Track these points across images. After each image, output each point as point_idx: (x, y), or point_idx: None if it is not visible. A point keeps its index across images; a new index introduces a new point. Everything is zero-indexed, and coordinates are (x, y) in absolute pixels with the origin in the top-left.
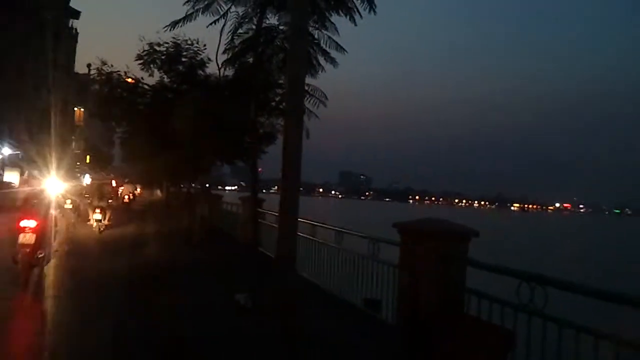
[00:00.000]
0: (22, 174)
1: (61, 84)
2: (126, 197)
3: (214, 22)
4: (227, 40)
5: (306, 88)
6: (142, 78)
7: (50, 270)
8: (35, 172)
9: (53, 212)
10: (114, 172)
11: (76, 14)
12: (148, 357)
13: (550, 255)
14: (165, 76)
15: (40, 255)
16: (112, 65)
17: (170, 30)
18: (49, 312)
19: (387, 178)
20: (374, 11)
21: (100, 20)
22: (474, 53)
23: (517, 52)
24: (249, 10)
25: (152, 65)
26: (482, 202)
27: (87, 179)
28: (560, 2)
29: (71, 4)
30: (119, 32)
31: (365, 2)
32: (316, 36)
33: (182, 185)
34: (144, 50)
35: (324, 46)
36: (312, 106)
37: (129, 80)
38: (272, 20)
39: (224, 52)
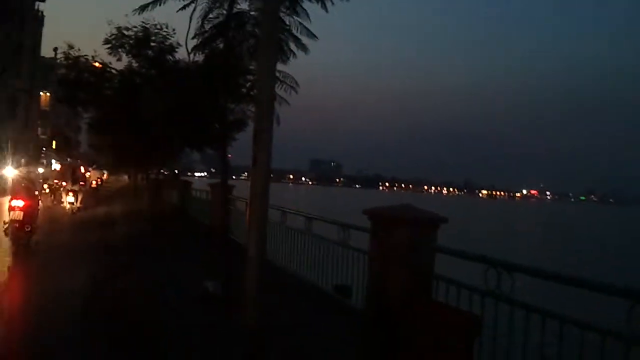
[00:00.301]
0: None
1: (27, 67)
2: (94, 182)
3: (184, 7)
4: (197, 26)
5: (277, 74)
6: (110, 63)
7: (35, 240)
8: None
9: (37, 194)
10: (80, 158)
11: None
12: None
13: (517, 241)
14: (133, 61)
15: (28, 229)
16: (79, 50)
17: (139, 14)
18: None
19: (357, 165)
20: None
21: (68, 3)
22: (446, 43)
23: (488, 43)
24: None
25: (120, 50)
26: (451, 189)
27: (53, 165)
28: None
29: None
30: (87, 16)
31: None
32: (287, 22)
33: (150, 172)
34: (112, 35)
35: (295, 32)
36: (284, 92)
37: (97, 64)
38: (243, 5)
39: (193, 38)
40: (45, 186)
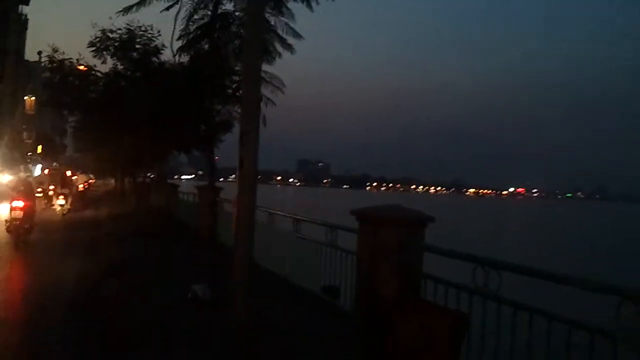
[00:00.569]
0: None
1: (11, 71)
2: (81, 186)
3: (168, 7)
4: (182, 27)
5: (263, 75)
6: (94, 66)
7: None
8: None
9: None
10: (66, 161)
11: (25, 0)
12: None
13: (505, 240)
14: (118, 63)
15: (27, 227)
16: (63, 53)
17: (123, 15)
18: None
19: (345, 165)
20: None
21: (52, 6)
22: (435, 43)
23: (478, 43)
24: None
25: (105, 53)
26: (439, 188)
27: (37, 170)
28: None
29: None
30: (71, 19)
31: None
32: (273, 22)
33: (137, 175)
34: (97, 37)
35: (280, 32)
36: (270, 93)
37: (81, 67)
38: (227, 6)
39: (178, 39)
40: (39, 189)
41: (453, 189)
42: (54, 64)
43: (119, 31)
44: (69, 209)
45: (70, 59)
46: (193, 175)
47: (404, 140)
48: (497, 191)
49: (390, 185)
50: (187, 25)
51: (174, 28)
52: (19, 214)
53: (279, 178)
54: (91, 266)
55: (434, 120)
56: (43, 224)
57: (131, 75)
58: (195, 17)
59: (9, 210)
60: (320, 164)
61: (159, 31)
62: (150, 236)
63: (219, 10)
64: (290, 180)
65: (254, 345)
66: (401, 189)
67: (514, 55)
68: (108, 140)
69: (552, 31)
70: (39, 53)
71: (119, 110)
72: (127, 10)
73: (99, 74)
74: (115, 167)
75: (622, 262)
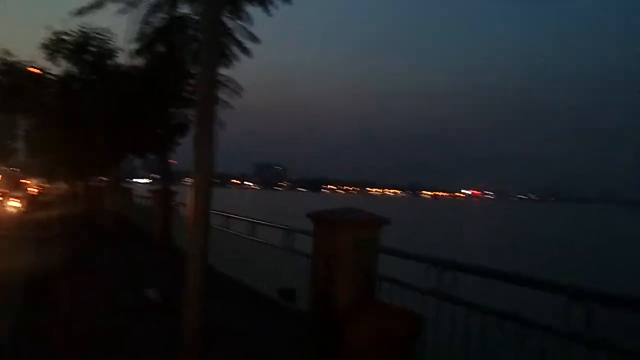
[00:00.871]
0: None
1: None
2: (33, 190)
3: (124, 10)
4: (138, 30)
5: (220, 79)
6: (48, 69)
7: None
8: None
9: None
10: (18, 166)
11: None
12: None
13: (459, 240)
14: (73, 66)
15: None
16: (17, 56)
17: (77, 17)
18: None
19: (302, 168)
20: (289, 1)
21: (3, 8)
22: (392, 47)
23: (434, 47)
24: None
25: (58, 55)
26: (395, 190)
27: None
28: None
29: None
30: (24, 21)
31: None
32: (230, 26)
33: (90, 179)
34: (50, 40)
35: (238, 36)
36: (227, 97)
37: (34, 70)
38: (184, 9)
39: (134, 42)
40: None
41: (409, 191)
42: (6, 67)
43: (73, 33)
44: (23, 211)
45: (22, 61)
46: (148, 180)
47: (361, 143)
48: (452, 193)
49: (347, 188)
50: (142, 28)
51: (130, 31)
52: None
53: (236, 181)
54: (41, 268)
55: (391, 124)
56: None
57: (86, 78)
58: (152, 20)
59: None
60: (277, 167)
61: (114, 34)
62: (103, 240)
63: (176, 14)
64: (248, 183)
65: (206, 348)
66: (358, 192)
67: (471, 60)
68: (61, 144)
69: (511, 34)
70: None
71: (73, 113)
72: (80, 12)
73: (52, 77)
74: (69, 171)
75: (570, 261)
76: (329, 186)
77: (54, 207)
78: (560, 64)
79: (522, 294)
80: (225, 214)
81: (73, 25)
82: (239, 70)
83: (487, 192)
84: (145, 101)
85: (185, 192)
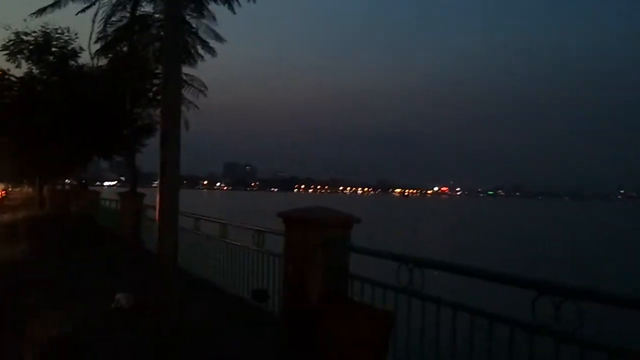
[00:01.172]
0: None
1: None
2: None
3: (85, 9)
4: (100, 29)
5: (185, 78)
6: (8, 70)
7: None
8: None
9: None
10: None
11: None
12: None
13: (428, 236)
14: (34, 67)
15: None
16: None
17: (37, 17)
18: None
19: (273, 167)
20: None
21: None
22: (360, 44)
23: (407, 46)
24: None
25: (19, 56)
26: (365, 189)
27: None
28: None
29: None
30: None
31: None
32: (194, 25)
33: (56, 182)
34: (10, 40)
35: (202, 35)
36: (192, 96)
37: None
38: (147, 8)
39: (96, 42)
40: None
41: (379, 190)
42: None
43: (34, 34)
44: None
45: None
46: (116, 182)
47: (331, 142)
48: (422, 190)
49: (318, 187)
50: (104, 28)
51: (92, 30)
52: None
53: (205, 182)
54: (6, 272)
55: (360, 122)
56: None
57: (47, 79)
58: (114, 19)
59: None
60: (247, 167)
61: (76, 33)
62: (69, 243)
63: (138, 12)
64: (217, 184)
65: (179, 350)
66: (329, 191)
67: (439, 58)
68: (24, 146)
69: (481, 33)
70: None
71: (36, 115)
72: (41, 11)
73: (13, 78)
74: (34, 175)
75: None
76: (301, 185)
77: (19, 210)
78: (531, 60)
79: (491, 289)
80: (195, 215)
81: (34, 26)
82: (205, 69)
83: (456, 189)
84: (109, 102)
85: (153, 193)
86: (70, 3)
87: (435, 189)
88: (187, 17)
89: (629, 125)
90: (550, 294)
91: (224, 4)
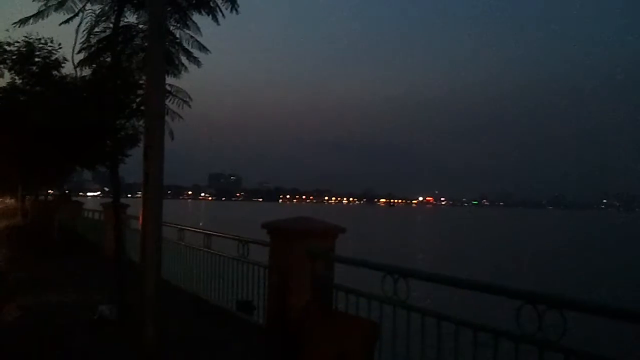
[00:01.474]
0: None
1: None
2: None
3: (68, 20)
4: (83, 39)
5: (169, 89)
6: None
7: None
8: None
9: None
10: None
11: None
12: None
13: (412, 247)
14: (17, 77)
15: None
16: None
17: (20, 27)
18: None
19: (258, 178)
20: (237, 11)
21: None
22: (346, 56)
23: (393, 58)
24: (106, 8)
25: (2, 66)
26: (351, 199)
27: None
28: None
29: None
30: None
31: (228, 2)
32: (178, 35)
33: (39, 193)
34: None
35: (186, 46)
36: (176, 107)
37: None
38: (131, 18)
39: (80, 52)
40: None
41: (365, 200)
42: None
43: (16, 44)
44: None
45: None
46: (99, 193)
47: (317, 152)
48: (407, 200)
49: (304, 197)
50: (88, 38)
51: (75, 41)
52: None
53: (189, 193)
54: None
55: (346, 133)
56: None
57: (31, 89)
58: (97, 29)
59: None
60: (232, 178)
61: (59, 44)
62: (52, 254)
63: (122, 23)
64: (202, 194)
65: None
66: (314, 201)
67: (425, 68)
68: (6, 158)
69: (465, 46)
70: None
71: (19, 125)
72: (23, 21)
73: None
74: (15, 186)
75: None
76: (287, 196)
77: (1, 221)
78: (516, 74)
79: (475, 298)
80: (179, 226)
81: (17, 35)
82: (190, 80)
83: (441, 198)
84: (92, 112)
85: (137, 204)
86: (54, 13)
87: (421, 198)
88: (172, 28)
89: (614, 136)
90: (533, 303)
91: (207, 14)
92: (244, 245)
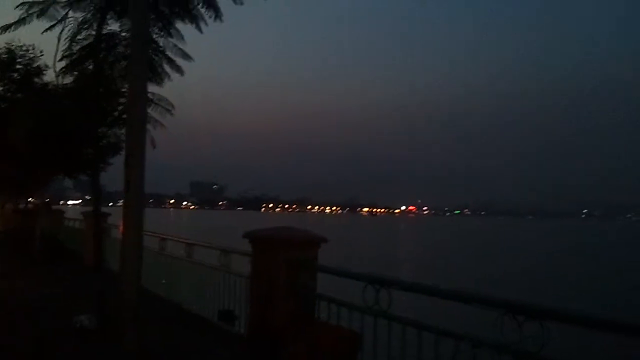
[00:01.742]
0: None
1: None
2: None
3: (51, 27)
4: (65, 47)
5: (151, 97)
6: None
7: None
8: None
9: None
10: None
11: None
12: None
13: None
14: None
15: None
16: None
17: (2, 33)
18: None
19: (240, 186)
20: (221, 19)
21: None
22: (328, 66)
23: (374, 64)
24: (89, 15)
25: None
26: (334, 208)
27: None
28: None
29: None
30: None
31: (211, 10)
32: (161, 44)
33: (19, 201)
34: None
35: (169, 54)
36: (159, 115)
37: None
38: (113, 26)
39: (62, 59)
40: None
41: (347, 209)
42: None
43: None
44: None
45: None
46: (80, 201)
47: (299, 161)
48: (389, 209)
49: (286, 206)
50: (70, 46)
51: (57, 48)
52: None
53: (171, 201)
54: None
55: (328, 141)
56: None
57: (12, 96)
58: (79, 37)
59: None
60: (214, 186)
61: (41, 51)
62: (32, 263)
63: (105, 31)
64: (184, 203)
65: None
66: (297, 210)
67: (407, 77)
68: None
69: (446, 54)
70: None
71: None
72: (5, 28)
73: None
74: None
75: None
76: (269, 205)
77: None
78: (499, 80)
79: (456, 308)
80: (161, 235)
81: None
82: (173, 88)
83: (424, 208)
84: (73, 120)
85: (118, 213)
86: (36, 21)
87: (403, 208)
88: (155, 36)
89: (595, 146)
90: (513, 313)
91: (191, 22)
92: (225, 255)
